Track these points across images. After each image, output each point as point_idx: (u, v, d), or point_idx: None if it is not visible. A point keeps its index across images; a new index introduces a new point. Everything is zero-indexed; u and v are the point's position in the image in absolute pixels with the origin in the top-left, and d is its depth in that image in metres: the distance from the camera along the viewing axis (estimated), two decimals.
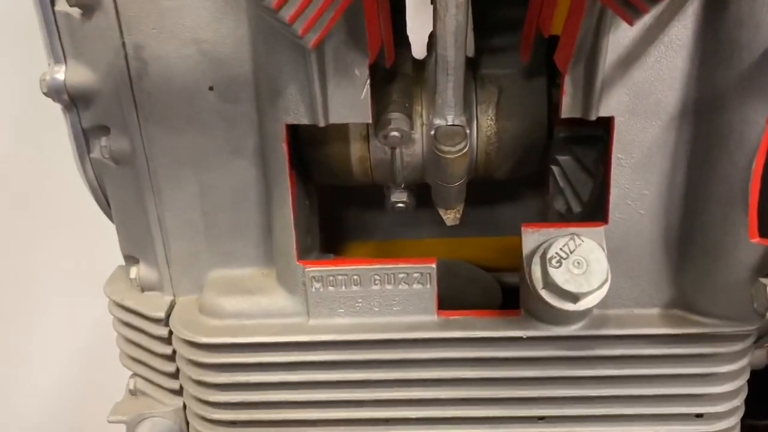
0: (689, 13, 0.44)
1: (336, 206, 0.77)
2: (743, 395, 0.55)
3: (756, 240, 0.44)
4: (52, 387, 1.45)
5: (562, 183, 0.63)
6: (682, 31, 0.44)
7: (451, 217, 0.61)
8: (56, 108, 0.57)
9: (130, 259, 0.60)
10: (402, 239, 0.81)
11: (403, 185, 0.59)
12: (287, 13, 0.33)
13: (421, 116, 0.54)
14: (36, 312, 1.43)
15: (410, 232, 0.78)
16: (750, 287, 0.45)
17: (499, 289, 0.70)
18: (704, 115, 0.45)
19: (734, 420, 0.55)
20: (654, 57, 0.45)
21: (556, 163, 0.62)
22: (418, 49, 0.60)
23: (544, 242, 0.48)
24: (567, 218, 0.63)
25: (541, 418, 0.55)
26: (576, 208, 0.62)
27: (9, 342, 1.42)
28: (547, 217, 0.71)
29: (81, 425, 1.42)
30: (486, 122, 0.55)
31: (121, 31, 0.49)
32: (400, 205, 0.60)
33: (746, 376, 0.54)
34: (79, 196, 0.64)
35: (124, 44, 0.49)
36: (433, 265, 0.52)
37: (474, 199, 0.66)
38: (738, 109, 0.43)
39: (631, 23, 0.37)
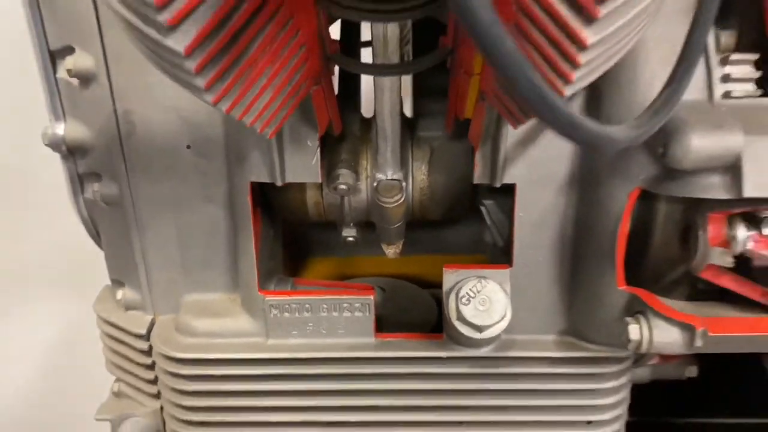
0: (575, 107, 0.55)
1: (300, 227, 0.87)
2: (625, 405, 0.67)
3: (622, 287, 0.56)
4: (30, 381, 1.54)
5: (488, 221, 0.74)
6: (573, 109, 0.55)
7: (391, 251, 0.72)
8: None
9: (117, 283, 0.70)
10: (359, 256, 0.92)
11: (351, 224, 0.70)
12: (248, 120, 0.43)
13: (366, 170, 0.65)
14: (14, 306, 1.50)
15: (367, 249, 0.88)
16: (621, 323, 0.57)
17: (436, 306, 0.81)
18: (585, 187, 0.56)
19: (618, 425, 0.67)
20: (547, 138, 0.56)
21: (483, 205, 0.74)
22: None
23: (458, 282, 0.59)
24: (496, 248, 0.74)
25: (460, 423, 0.66)
26: (499, 242, 0.73)
27: None
28: (483, 241, 0.82)
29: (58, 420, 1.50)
30: (420, 176, 0.66)
31: (113, 99, 0.59)
32: (350, 239, 0.71)
33: (627, 390, 0.66)
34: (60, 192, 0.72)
35: (115, 110, 0.59)
36: (371, 297, 0.63)
37: (423, 223, 0.76)
38: (607, 185, 0.54)
39: (515, 127, 0.48)
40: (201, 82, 0.37)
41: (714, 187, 0.48)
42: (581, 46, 0.33)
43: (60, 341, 1.55)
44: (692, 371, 0.73)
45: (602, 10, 0.32)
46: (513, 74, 0.26)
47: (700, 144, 0.47)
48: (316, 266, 0.92)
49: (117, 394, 0.73)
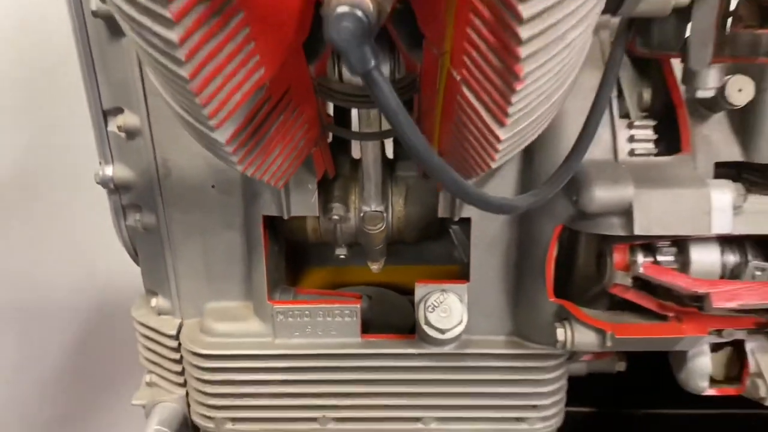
0: (515, 158, 0.70)
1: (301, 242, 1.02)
2: (563, 393, 0.83)
3: (552, 299, 0.72)
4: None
5: (456, 241, 0.90)
6: (512, 165, 0.71)
7: (375, 267, 0.88)
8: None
9: (151, 293, 0.86)
10: (351, 266, 1.07)
11: (343, 245, 0.85)
12: (265, 179, 0.58)
13: (354, 203, 0.81)
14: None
15: (357, 260, 1.04)
16: (552, 327, 0.72)
17: (413, 311, 0.96)
18: (523, 222, 0.72)
19: (557, 409, 0.82)
20: (493, 185, 0.72)
21: (451, 228, 0.90)
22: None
23: (426, 293, 0.75)
24: (463, 262, 0.90)
25: (430, 407, 0.82)
26: (464, 259, 0.89)
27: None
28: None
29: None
30: (398, 208, 0.81)
31: (153, 149, 0.74)
32: (342, 256, 0.86)
33: (564, 379, 0.82)
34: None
35: (155, 157, 0.75)
36: (358, 305, 0.79)
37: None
38: (539, 222, 0.70)
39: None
40: (234, 159, 0.52)
41: (614, 226, 0.64)
42: (497, 142, 0.49)
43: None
44: (621, 366, 0.89)
45: (509, 120, 0.47)
46: (439, 175, 0.42)
47: (601, 195, 0.62)
48: (314, 275, 1.08)
49: (149, 384, 0.89)
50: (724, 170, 0.72)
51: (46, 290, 1.64)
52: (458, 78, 0.45)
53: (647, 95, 0.71)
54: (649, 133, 0.69)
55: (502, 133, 0.48)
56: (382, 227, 0.78)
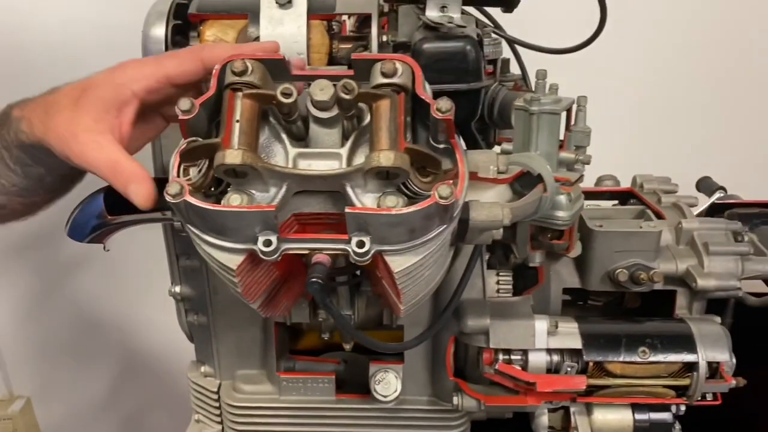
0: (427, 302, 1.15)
1: None
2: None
3: (451, 378, 1.16)
4: None
5: None
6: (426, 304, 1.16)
7: (348, 346, 1.32)
8: None
9: (200, 362, 1.31)
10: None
11: (327, 331, 1.30)
12: (275, 316, 1.03)
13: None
14: None
15: None
16: (452, 395, 1.16)
17: None
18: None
19: None
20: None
21: None
22: None
23: (375, 371, 1.19)
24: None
25: None
26: None
27: None
28: None
29: None
30: (361, 313, 1.25)
31: (207, 279, 1.19)
32: (326, 337, 1.31)
33: (467, 425, 1.26)
34: None
35: (208, 283, 1.20)
36: (333, 377, 1.23)
37: None
38: (443, 333, 1.14)
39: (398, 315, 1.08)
40: (258, 309, 0.97)
41: (481, 341, 1.08)
42: (399, 311, 0.93)
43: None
44: (510, 414, 1.33)
45: (403, 309, 0.92)
46: (358, 337, 0.86)
47: (471, 323, 1.07)
48: (309, 336, 1.53)
49: (197, 421, 1.34)
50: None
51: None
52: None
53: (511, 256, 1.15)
54: (509, 279, 1.13)
55: (402, 310, 0.93)
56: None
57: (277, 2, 1.02)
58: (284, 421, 1.25)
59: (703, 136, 1.99)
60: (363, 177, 0.77)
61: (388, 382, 1.17)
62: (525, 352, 1.10)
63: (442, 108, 0.76)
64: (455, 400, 1.15)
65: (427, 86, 0.84)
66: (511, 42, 1.26)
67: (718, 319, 1.15)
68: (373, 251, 0.77)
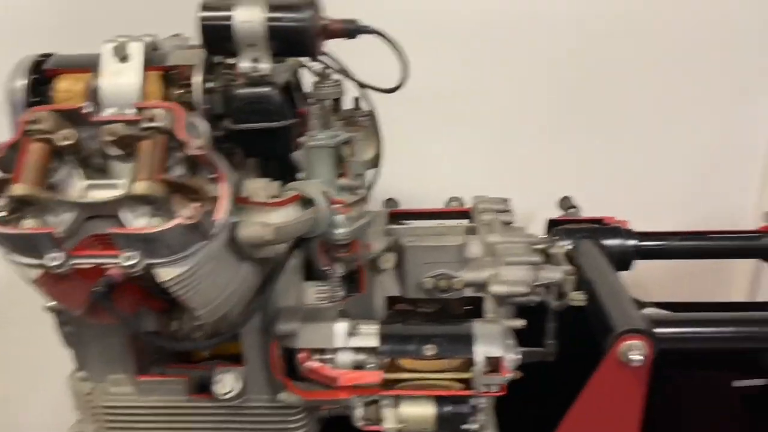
0: None
1: None
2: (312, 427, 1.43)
3: (278, 377, 1.33)
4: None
5: None
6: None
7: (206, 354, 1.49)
8: None
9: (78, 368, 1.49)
10: None
11: None
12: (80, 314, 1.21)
13: None
14: None
15: None
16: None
17: None
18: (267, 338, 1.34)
19: None
20: None
21: None
22: None
23: (216, 374, 1.36)
24: None
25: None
26: None
27: None
28: None
29: None
30: None
31: None
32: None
33: (311, 423, 1.42)
34: None
35: None
36: (185, 379, 1.40)
37: None
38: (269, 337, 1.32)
39: None
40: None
41: (293, 342, 1.26)
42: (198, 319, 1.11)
43: None
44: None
45: (202, 313, 1.09)
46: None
47: (282, 327, 1.24)
48: None
49: (79, 422, 1.51)
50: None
51: None
52: None
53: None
54: (325, 289, 1.31)
55: (201, 315, 1.11)
56: None
57: (116, 57, 1.22)
58: (144, 419, 1.42)
59: (576, 156, 2.16)
60: (130, 203, 0.95)
61: (224, 383, 1.34)
62: (335, 352, 1.27)
63: (192, 146, 0.95)
64: (281, 396, 1.32)
65: (202, 128, 1.03)
66: (357, 82, 1.43)
67: (510, 322, 1.31)
68: (142, 264, 0.95)
